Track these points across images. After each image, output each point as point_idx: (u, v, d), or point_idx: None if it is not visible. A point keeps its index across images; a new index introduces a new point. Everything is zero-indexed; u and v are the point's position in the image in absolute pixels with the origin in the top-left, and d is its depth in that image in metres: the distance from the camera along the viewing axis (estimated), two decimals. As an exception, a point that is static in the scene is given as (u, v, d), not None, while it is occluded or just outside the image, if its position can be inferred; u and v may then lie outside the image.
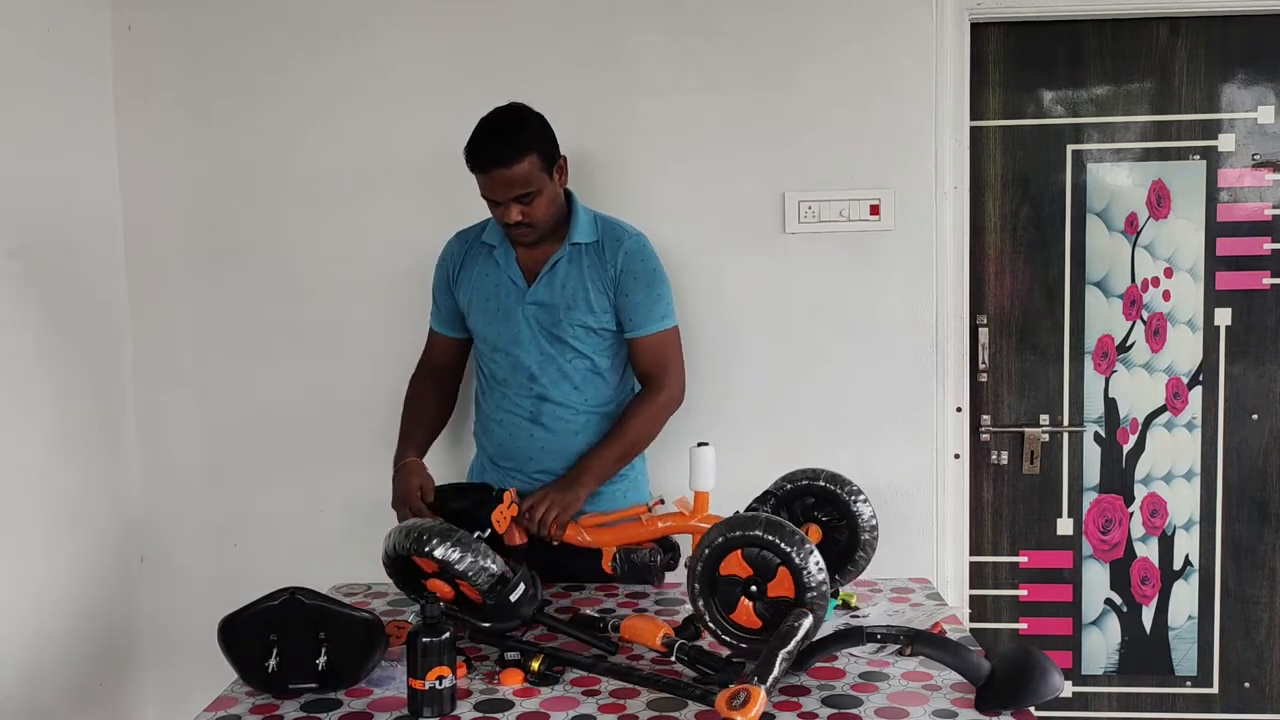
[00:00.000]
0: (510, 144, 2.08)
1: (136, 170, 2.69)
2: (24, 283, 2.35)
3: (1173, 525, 2.77)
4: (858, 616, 1.97)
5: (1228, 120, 2.68)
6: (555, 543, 2.05)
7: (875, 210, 2.61)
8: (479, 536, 1.81)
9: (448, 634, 1.59)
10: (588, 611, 1.96)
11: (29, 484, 2.37)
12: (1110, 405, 2.76)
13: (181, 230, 2.71)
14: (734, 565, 1.70)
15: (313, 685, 1.68)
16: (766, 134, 2.61)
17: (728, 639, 1.71)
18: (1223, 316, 2.72)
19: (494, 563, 1.77)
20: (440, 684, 1.58)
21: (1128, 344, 2.74)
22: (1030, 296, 2.74)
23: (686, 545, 1.97)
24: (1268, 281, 2.71)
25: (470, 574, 1.75)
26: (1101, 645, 2.80)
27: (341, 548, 2.61)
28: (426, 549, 1.74)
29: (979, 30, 2.66)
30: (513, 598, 1.77)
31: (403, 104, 2.65)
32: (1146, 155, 2.70)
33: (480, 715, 1.60)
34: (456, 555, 1.74)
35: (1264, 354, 2.73)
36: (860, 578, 2.07)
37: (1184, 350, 2.74)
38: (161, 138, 2.69)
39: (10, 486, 2.30)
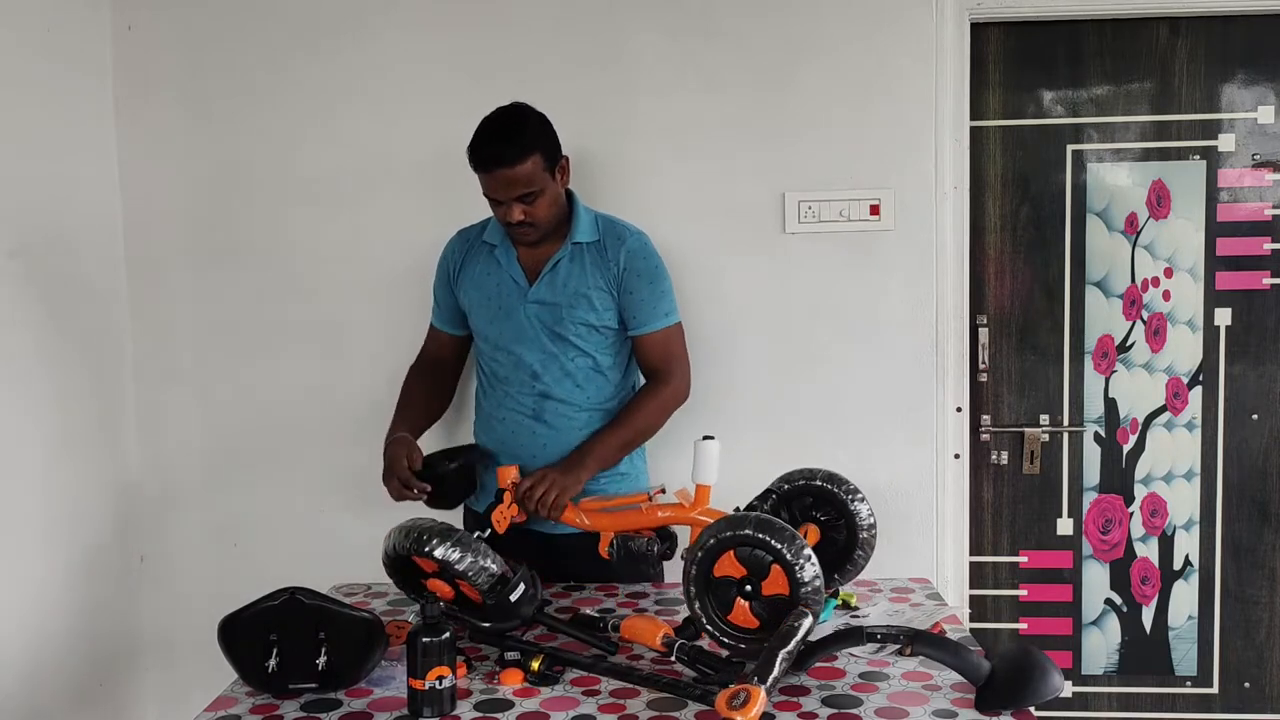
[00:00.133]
0: (513, 144, 2.08)
1: (136, 170, 2.69)
2: (24, 283, 2.35)
3: (1173, 525, 2.77)
4: (858, 616, 1.97)
5: (1228, 120, 2.68)
6: (554, 520, 2.05)
7: (875, 210, 2.61)
8: (479, 536, 1.82)
9: (448, 634, 1.59)
10: (588, 611, 1.96)
11: (29, 484, 2.37)
12: (1110, 405, 2.76)
13: (181, 230, 2.71)
14: (728, 566, 1.70)
15: (313, 685, 1.68)
16: (766, 134, 2.61)
17: (726, 640, 1.71)
18: (1223, 316, 2.72)
19: (494, 563, 1.78)
20: (440, 684, 1.58)
21: (1128, 344, 2.74)
22: (1030, 296, 2.74)
23: (684, 538, 1.98)
24: (1268, 281, 2.71)
25: (470, 574, 1.75)
26: (1101, 645, 2.80)
27: (341, 548, 2.61)
28: (426, 549, 1.74)
29: (979, 30, 2.66)
30: (513, 598, 1.78)
31: (403, 104, 2.65)
32: (1146, 155, 2.70)
33: (480, 715, 1.60)
34: (456, 555, 1.74)
35: (1264, 354, 2.73)
36: (860, 578, 2.07)
37: (1184, 350, 2.74)
38: (161, 138, 2.69)
39: (10, 486, 2.30)
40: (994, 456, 2.77)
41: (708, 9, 2.60)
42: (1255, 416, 2.74)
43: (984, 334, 2.74)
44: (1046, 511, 2.78)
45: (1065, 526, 2.78)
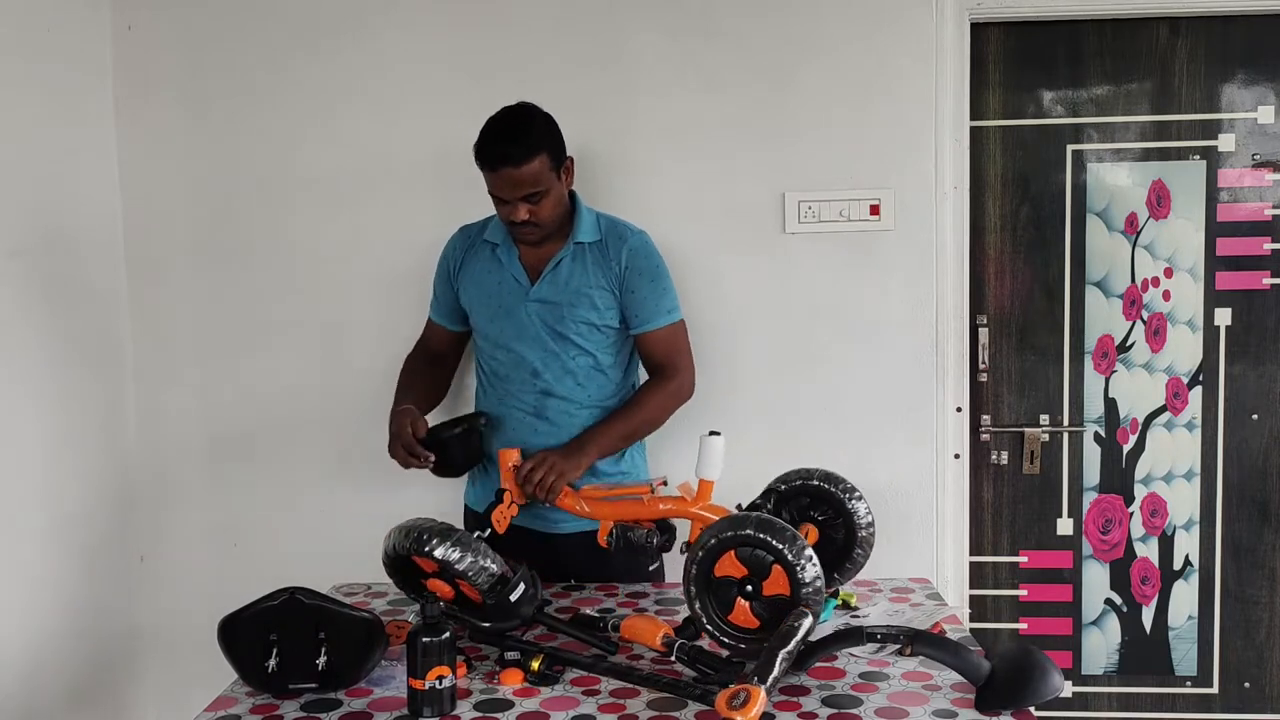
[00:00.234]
0: (520, 143, 2.08)
1: (136, 170, 2.69)
2: (24, 283, 2.35)
3: (1173, 525, 2.77)
4: (858, 616, 1.97)
5: (1228, 120, 2.68)
6: (550, 504, 2.05)
7: (875, 210, 2.61)
8: (479, 536, 1.82)
9: (448, 634, 1.59)
10: (588, 611, 1.96)
11: (29, 484, 2.37)
12: (1110, 405, 2.76)
13: (181, 230, 2.71)
14: (728, 566, 1.70)
15: (313, 685, 1.68)
16: (766, 134, 2.61)
17: (726, 640, 1.71)
18: (1223, 316, 2.72)
19: (494, 563, 1.78)
20: (440, 684, 1.58)
21: (1128, 344, 2.74)
22: (1030, 296, 2.74)
23: (684, 531, 1.97)
24: (1268, 281, 2.71)
25: (470, 574, 1.75)
26: (1101, 645, 2.80)
27: (341, 548, 2.61)
28: (426, 549, 1.74)
29: (979, 30, 2.66)
30: (513, 598, 1.78)
31: (403, 104, 2.65)
32: (1146, 155, 2.70)
33: (480, 715, 1.60)
34: (456, 555, 1.74)
35: (1264, 354, 2.73)
36: (860, 577, 2.07)
37: (1184, 350, 2.74)
38: (161, 138, 2.69)
39: (10, 486, 2.30)
40: (994, 456, 2.77)
41: (708, 9, 2.60)
42: (1255, 416, 2.74)
43: (984, 334, 2.74)
44: (1046, 511, 2.78)
45: (1065, 526, 2.78)
